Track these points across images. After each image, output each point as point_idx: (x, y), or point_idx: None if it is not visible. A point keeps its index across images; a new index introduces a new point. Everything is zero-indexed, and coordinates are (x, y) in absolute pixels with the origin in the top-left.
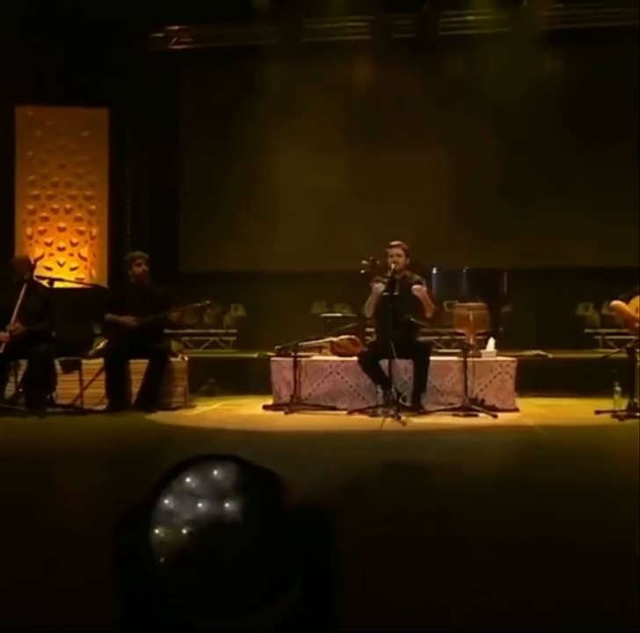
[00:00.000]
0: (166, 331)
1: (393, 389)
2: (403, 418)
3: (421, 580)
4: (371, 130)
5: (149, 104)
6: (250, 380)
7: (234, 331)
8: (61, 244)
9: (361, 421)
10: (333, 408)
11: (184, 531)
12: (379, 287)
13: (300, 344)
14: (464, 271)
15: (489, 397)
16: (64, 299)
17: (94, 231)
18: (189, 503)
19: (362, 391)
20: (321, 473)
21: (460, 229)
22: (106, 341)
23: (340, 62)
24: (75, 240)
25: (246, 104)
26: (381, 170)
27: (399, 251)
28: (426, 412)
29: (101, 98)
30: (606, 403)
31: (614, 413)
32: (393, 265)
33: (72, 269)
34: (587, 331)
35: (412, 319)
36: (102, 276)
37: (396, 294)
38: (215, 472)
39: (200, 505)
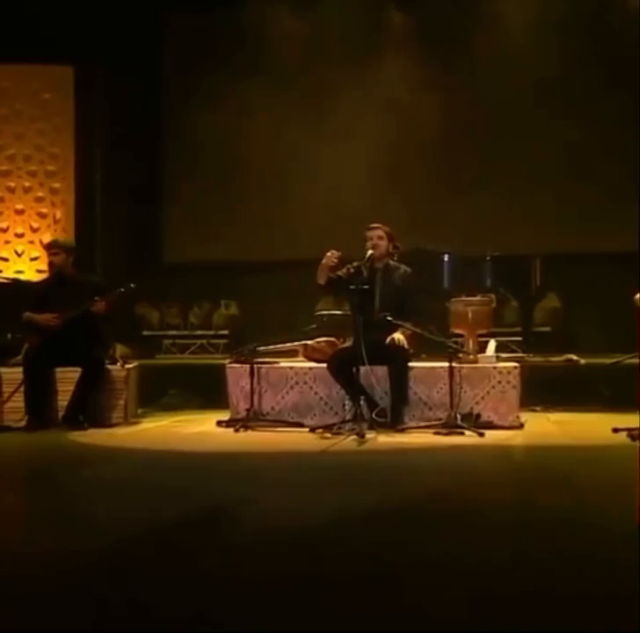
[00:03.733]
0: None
1: (362, 402)
2: (368, 436)
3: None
4: (379, 85)
5: (122, 59)
6: (221, 390)
7: (225, 332)
8: (19, 230)
9: (316, 440)
10: (299, 424)
11: None
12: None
13: (258, 348)
14: (488, 257)
15: (486, 411)
16: None
17: (58, 214)
18: None
19: (335, 404)
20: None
21: (481, 206)
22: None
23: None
24: (35, 225)
25: (240, 56)
26: (394, 132)
27: (380, 233)
28: (403, 430)
29: (65, 53)
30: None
31: (630, 432)
32: (371, 251)
33: (33, 259)
34: None
35: (389, 317)
36: None
37: (365, 286)
38: None
39: None
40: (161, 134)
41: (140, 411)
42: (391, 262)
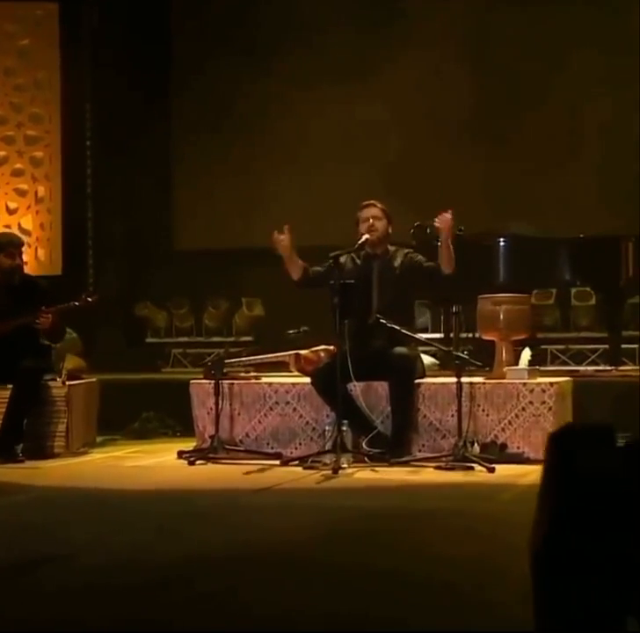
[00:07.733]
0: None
1: (345, 427)
2: (347, 471)
3: None
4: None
5: None
6: None
7: (248, 338)
8: None
9: (274, 477)
10: (278, 455)
11: None
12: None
13: (228, 360)
14: (564, 241)
15: (514, 440)
16: None
17: (41, 191)
18: None
19: (324, 430)
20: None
21: (548, 179)
22: None
23: None
24: (13, 205)
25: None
26: (443, 101)
27: (376, 211)
28: (398, 463)
29: None
30: None
31: None
32: (366, 236)
33: None
34: None
35: (383, 320)
36: (55, 258)
37: (350, 281)
38: None
39: None
40: (169, 90)
41: (100, 439)
42: (390, 248)
